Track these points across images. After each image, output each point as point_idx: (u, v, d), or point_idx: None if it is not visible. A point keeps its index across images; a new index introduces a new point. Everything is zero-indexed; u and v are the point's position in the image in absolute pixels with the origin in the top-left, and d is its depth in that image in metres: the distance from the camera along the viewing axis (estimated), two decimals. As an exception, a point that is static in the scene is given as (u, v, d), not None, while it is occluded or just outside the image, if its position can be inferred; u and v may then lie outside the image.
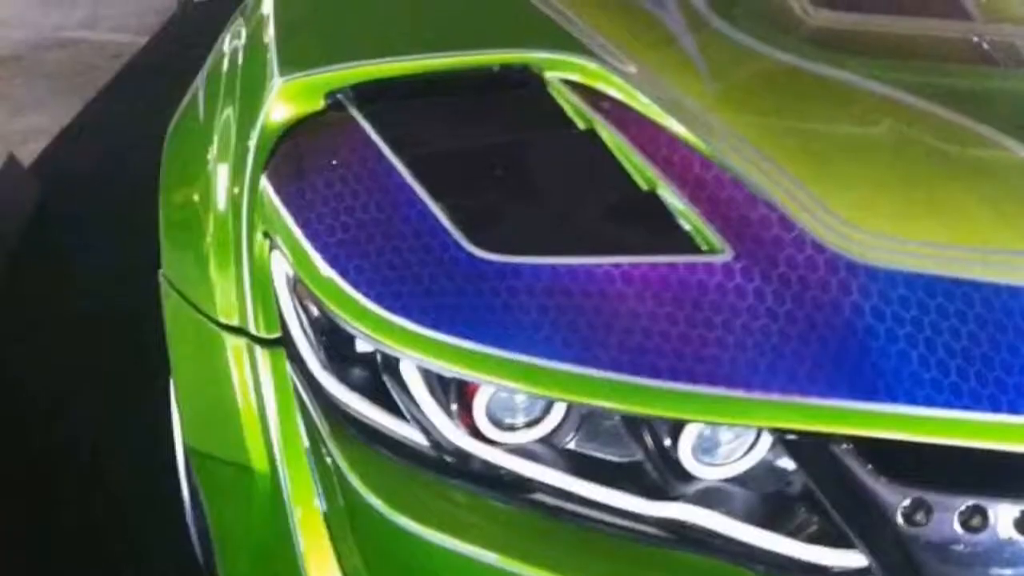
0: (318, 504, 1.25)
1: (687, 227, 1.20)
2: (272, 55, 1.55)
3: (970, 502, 1.09)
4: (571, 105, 1.39)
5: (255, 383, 1.30)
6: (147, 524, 2.17)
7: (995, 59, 1.72)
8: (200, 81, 1.90)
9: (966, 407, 1.05)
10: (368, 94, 1.42)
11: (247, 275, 1.33)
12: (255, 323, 1.32)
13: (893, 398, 1.05)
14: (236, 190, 1.40)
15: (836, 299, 1.11)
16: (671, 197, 1.23)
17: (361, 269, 1.18)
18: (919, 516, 1.09)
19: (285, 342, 1.29)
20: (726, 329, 1.09)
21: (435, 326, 1.12)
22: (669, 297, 1.11)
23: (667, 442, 1.15)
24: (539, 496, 1.16)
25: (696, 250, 1.17)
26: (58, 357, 2.70)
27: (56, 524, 2.25)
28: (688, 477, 1.16)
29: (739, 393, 1.06)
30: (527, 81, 1.45)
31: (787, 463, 1.16)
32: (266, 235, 1.32)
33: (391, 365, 1.20)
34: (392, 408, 1.21)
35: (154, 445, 1.90)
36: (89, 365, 2.67)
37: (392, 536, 1.18)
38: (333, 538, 1.24)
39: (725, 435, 1.16)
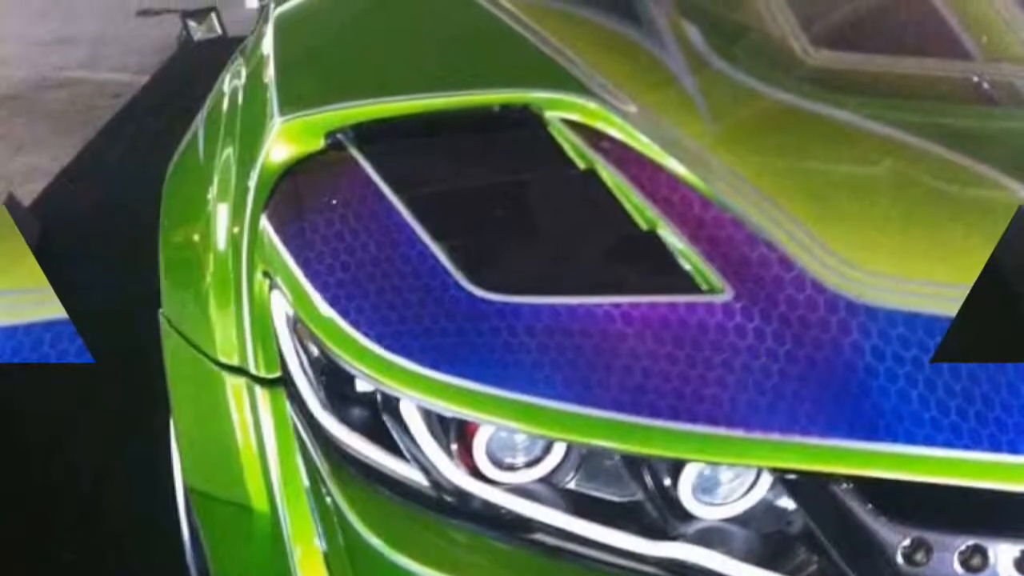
0: (318, 544, 1.24)
1: (687, 267, 1.20)
2: (272, 95, 1.56)
3: (970, 542, 1.09)
4: (571, 145, 1.39)
5: (255, 423, 1.29)
6: (146, 561, 2.16)
7: (995, 99, 1.72)
8: (200, 121, 1.90)
9: (966, 447, 1.05)
10: (368, 134, 1.43)
11: (247, 315, 1.33)
12: (255, 363, 1.31)
13: (893, 438, 1.05)
14: (236, 230, 1.40)
15: (836, 339, 1.11)
16: (671, 237, 1.23)
17: (361, 309, 1.18)
18: (919, 556, 1.08)
19: (285, 382, 1.29)
20: (726, 369, 1.09)
21: (435, 366, 1.12)
22: (669, 337, 1.11)
23: (667, 482, 1.15)
24: (539, 536, 1.15)
25: (696, 290, 1.17)
26: (58, 392, 2.69)
27: (55, 559, 2.24)
28: (688, 517, 1.16)
29: (739, 433, 1.06)
30: (527, 121, 1.45)
31: (787, 503, 1.16)
32: (266, 275, 1.32)
33: (391, 405, 1.20)
34: (392, 448, 1.21)
35: (153, 481, 1.89)
36: (89, 401, 2.67)
37: (392, 576, 1.17)
38: (333, 578, 1.23)
39: (725, 475, 1.16)
